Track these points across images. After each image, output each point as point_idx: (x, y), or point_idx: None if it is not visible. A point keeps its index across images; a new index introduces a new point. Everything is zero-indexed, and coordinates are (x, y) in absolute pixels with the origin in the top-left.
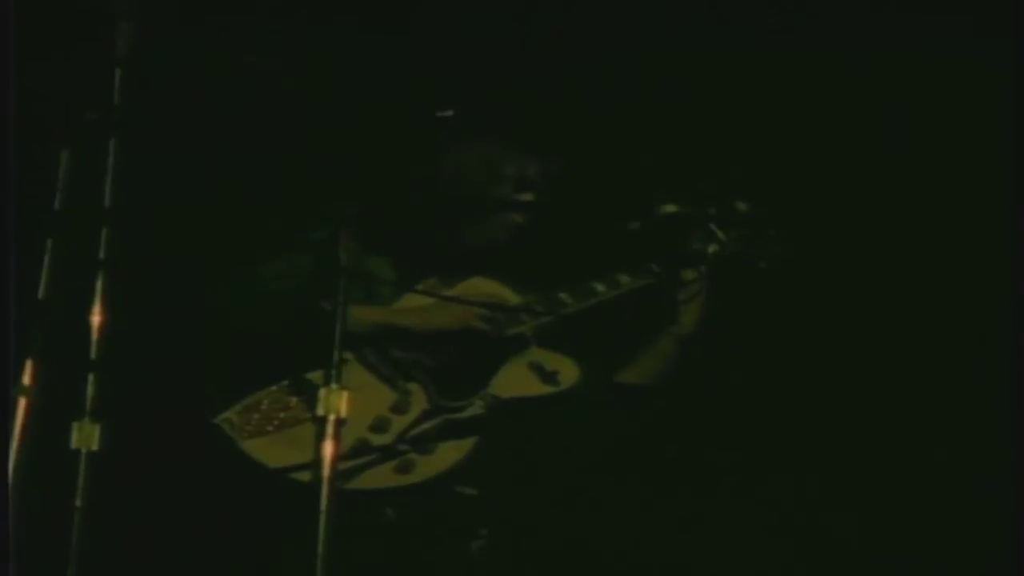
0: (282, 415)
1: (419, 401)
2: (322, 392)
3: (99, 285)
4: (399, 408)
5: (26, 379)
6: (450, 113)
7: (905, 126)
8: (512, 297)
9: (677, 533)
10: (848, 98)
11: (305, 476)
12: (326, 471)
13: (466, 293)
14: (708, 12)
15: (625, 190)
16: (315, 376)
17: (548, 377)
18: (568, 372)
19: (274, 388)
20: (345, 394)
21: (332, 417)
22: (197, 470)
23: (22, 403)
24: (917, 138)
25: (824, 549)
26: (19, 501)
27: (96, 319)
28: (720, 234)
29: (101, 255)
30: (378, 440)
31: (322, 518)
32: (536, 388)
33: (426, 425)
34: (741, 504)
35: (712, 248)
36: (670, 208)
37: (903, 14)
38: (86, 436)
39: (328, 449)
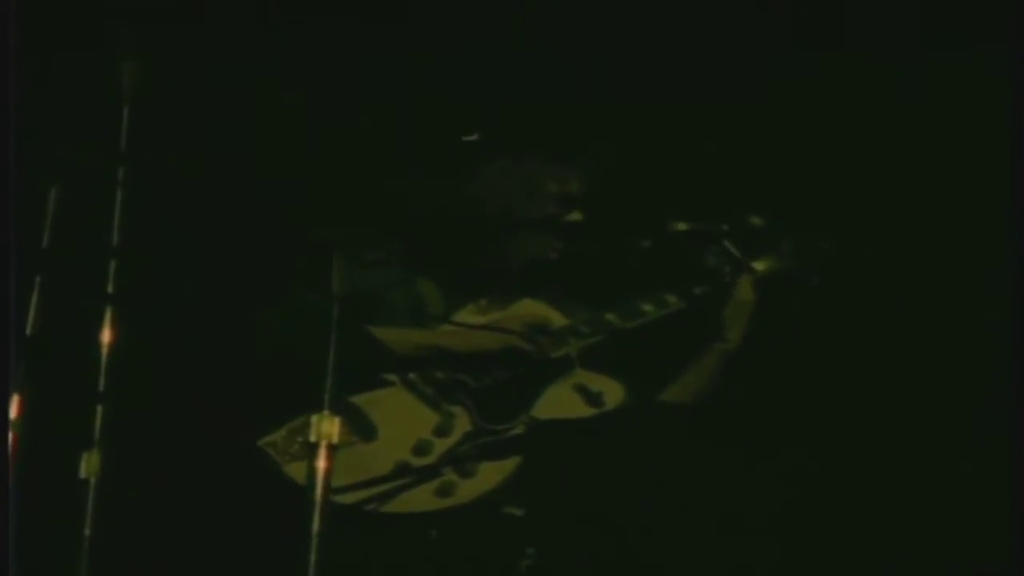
0: None
1: (462, 424)
2: (314, 418)
3: (107, 316)
4: (442, 431)
5: (12, 413)
6: (476, 136)
7: (908, 131)
8: (559, 319)
9: (725, 550)
10: (852, 105)
11: (347, 499)
12: (319, 496)
13: (512, 315)
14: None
15: (635, 207)
16: (359, 399)
17: (593, 399)
18: (613, 393)
19: None
20: (337, 420)
21: (324, 443)
22: (216, 497)
23: (10, 437)
24: (922, 143)
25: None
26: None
27: (105, 349)
28: (735, 250)
29: (109, 288)
30: (419, 463)
31: (314, 542)
32: (580, 410)
33: (468, 448)
34: (791, 521)
35: (763, 265)
36: (682, 225)
37: (910, 17)
38: (95, 465)
39: (321, 474)
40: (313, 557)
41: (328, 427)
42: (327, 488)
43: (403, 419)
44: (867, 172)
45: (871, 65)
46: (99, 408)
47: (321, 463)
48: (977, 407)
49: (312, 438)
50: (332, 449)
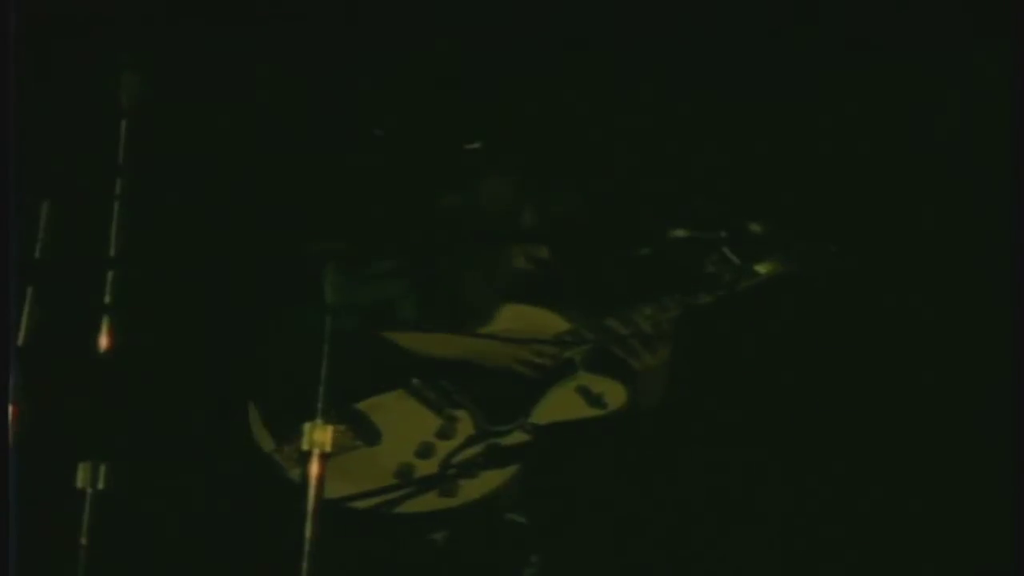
0: None
1: (465, 427)
2: (307, 427)
3: (104, 326)
4: (444, 434)
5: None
6: (477, 145)
7: (906, 133)
8: (561, 325)
9: (728, 552)
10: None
11: (351, 503)
12: (311, 505)
13: (511, 320)
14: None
15: (633, 215)
16: (364, 405)
17: (595, 400)
18: (615, 395)
19: None
20: (330, 429)
21: (317, 452)
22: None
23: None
24: (921, 146)
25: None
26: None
27: (103, 359)
28: (734, 257)
29: (107, 298)
30: (423, 465)
31: (306, 546)
32: (583, 411)
33: (471, 450)
34: (796, 522)
35: (765, 268)
36: (680, 232)
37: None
38: (92, 476)
39: (314, 483)
40: (306, 564)
41: (320, 436)
42: (319, 496)
43: (406, 423)
44: (865, 175)
45: (871, 67)
46: (96, 419)
47: (314, 471)
48: (984, 408)
49: (304, 447)
50: (325, 457)
